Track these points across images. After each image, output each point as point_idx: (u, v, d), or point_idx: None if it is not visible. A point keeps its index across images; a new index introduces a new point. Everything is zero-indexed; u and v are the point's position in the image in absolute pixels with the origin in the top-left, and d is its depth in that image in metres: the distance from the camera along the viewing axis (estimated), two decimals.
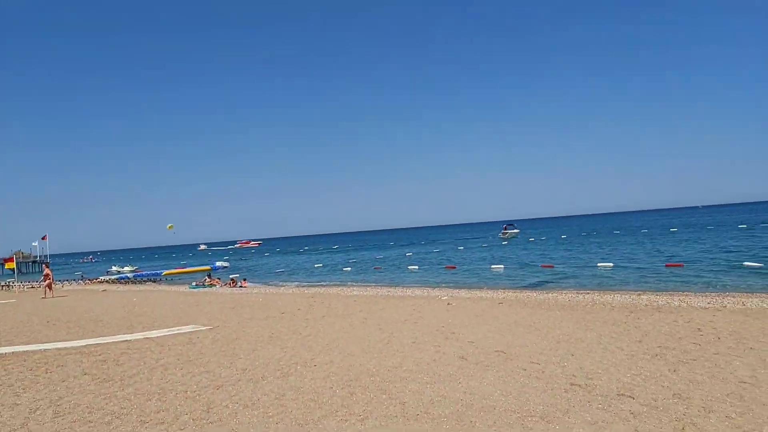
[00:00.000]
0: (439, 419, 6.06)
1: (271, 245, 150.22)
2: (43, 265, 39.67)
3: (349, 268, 45.71)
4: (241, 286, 32.11)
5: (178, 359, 10.15)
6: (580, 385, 7.15)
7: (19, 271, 62.24)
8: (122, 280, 45.49)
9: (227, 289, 30.60)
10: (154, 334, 13.63)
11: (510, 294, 20.51)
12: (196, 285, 33.75)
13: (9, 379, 9.01)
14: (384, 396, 7.12)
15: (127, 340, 12.74)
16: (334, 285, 30.68)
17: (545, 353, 9.31)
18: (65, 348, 11.92)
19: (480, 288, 24.45)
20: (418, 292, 23.13)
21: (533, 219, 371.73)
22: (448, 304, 17.59)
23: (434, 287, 25.66)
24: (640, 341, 9.95)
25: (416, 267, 40.93)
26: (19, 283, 40.50)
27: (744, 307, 13.78)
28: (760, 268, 24.32)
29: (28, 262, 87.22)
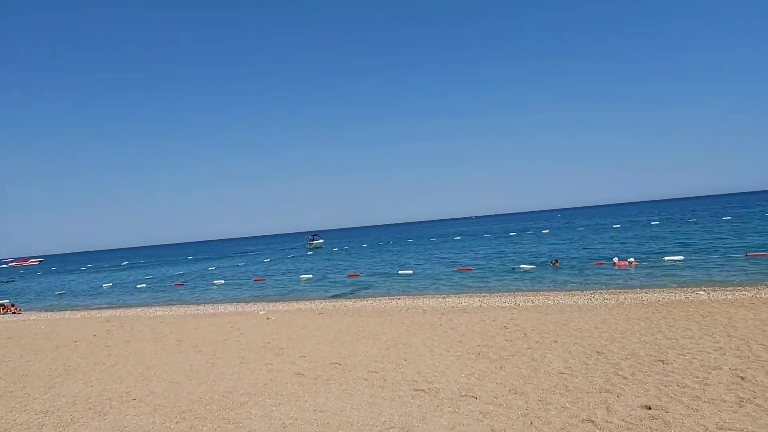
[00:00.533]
0: None
1: (51, 263, 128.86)
2: None
3: (143, 285, 41.32)
4: (13, 313, 27.04)
5: None
6: (424, 390, 7.34)
7: None
8: None
9: None
10: None
11: (327, 304, 20.59)
12: None
13: None
14: (230, 426, 6.40)
15: None
16: (132, 306, 27.23)
17: (380, 361, 9.43)
18: None
19: (296, 300, 24.05)
20: (231, 308, 21.78)
21: (338, 229, 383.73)
22: (268, 318, 16.92)
23: (247, 302, 24.46)
24: (460, 342, 10.71)
25: (222, 281, 38.77)
26: None
27: (534, 304, 15.89)
28: (533, 270, 28.38)
29: None
